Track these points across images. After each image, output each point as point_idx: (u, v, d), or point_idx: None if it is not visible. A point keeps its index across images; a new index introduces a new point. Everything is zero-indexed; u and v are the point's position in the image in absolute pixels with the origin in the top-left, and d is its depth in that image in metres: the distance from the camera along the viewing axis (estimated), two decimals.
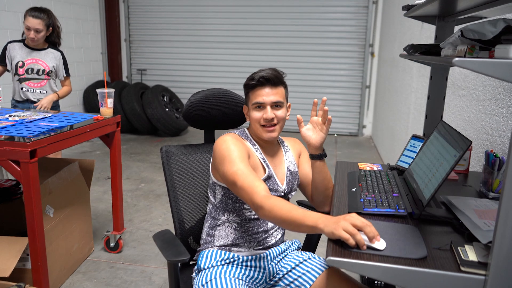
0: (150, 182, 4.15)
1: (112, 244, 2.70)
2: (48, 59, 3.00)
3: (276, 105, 1.46)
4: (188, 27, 6.70)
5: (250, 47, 6.57)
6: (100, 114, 2.44)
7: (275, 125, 1.47)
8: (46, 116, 2.42)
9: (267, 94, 1.44)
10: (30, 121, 2.25)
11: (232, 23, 6.54)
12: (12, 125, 2.11)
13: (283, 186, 1.53)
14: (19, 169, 1.84)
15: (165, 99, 6.18)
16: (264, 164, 1.50)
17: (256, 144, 1.53)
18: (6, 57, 2.98)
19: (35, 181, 1.86)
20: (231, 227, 1.50)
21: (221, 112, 1.69)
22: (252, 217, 1.50)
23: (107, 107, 2.43)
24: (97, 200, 3.59)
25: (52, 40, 3.04)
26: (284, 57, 6.46)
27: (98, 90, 2.41)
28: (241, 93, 1.64)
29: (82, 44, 6.24)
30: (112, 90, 2.44)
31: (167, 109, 6.01)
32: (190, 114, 1.67)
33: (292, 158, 1.62)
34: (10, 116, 2.34)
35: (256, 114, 1.47)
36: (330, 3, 6.28)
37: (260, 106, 1.46)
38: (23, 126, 2.12)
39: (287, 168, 1.58)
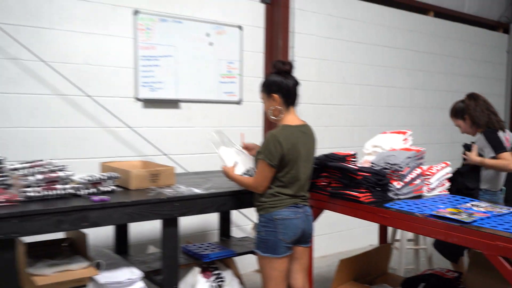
0: None
1: None
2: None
3: None
4: None
5: None
6: None
7: None
8: None
9: None
10: (499, 215, 2.18)
11: None
12: (487, 217, 2.10)
13: None
14: (509, 267, 1.76)
15: None
16: None
17: None
18: None
19: None
20: None
21: None
22: None
23: None
24: None
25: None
26: None
27: None
28: None
29: None
30: None
31: None
32: None
33: None
34: (473, 205, 2.35)
35: None
36: None
37: None
38: (500, 220, 2.06)
39: None
